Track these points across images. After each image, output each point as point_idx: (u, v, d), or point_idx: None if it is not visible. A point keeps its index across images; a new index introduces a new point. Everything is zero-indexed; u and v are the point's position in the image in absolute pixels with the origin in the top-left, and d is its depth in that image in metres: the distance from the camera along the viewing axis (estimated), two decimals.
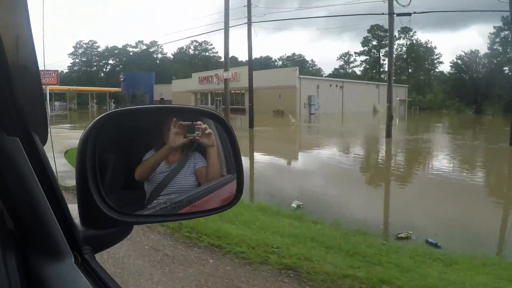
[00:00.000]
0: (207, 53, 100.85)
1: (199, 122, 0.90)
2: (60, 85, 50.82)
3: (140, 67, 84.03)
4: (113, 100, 72.79)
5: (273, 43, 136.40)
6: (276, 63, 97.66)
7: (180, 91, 59.32)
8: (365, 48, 74.74)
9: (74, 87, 58.19)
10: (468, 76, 49.56)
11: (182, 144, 0.91)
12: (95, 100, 67.42)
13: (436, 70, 75.05)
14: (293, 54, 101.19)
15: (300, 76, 38.36)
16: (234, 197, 0.94)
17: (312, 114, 38.98)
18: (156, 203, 0.90)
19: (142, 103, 64.40)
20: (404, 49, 72.22)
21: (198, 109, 1.02)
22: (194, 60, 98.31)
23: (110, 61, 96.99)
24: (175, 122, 0.89)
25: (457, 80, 49.77)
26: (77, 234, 0.75)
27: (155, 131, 0.96)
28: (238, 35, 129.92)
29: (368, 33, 72.95)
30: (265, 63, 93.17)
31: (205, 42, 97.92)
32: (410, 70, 71.96)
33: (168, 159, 0.93)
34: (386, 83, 57.45)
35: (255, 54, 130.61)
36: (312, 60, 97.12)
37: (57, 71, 45.88)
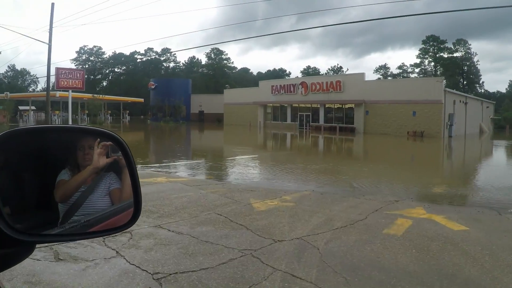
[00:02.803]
0: (223, 62, 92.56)
1: None
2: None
3: (148, 76, 75.16)
4: (127, 111, 65.34)
5: (286, 55, 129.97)
6: (290, 75, 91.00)
7: (235, 102, 50.37)
8: (419, 60, 69.87)
9: (101, 96, 48.36)
10: None
11: (106, 164, 0.92)
12: (108, 111, 58.19)
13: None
14: (308, 67, 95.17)
15: (446, 89, 31.33)
16: (133, 215, 0.95)
17: (451, 136, 32.00)
18: (68, 222, 0.90)
19: (180, 116, 55.43)
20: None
21: (100, 130, 0.97)
22: (208, 71, 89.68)
23: (116, 69, 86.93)
24: (98, 142, 0.91)
25: None
26: None
27: (66, 151, 0.94)
28: (249, 47, 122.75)
29: (423, 44, 68.29)
30: (279, 75, 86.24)
31: (220, 52, 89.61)
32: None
33: None
34: (486, 100, 51.36)
35: (270, 66, 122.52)
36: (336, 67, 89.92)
37: (83, 71, 35.33)
